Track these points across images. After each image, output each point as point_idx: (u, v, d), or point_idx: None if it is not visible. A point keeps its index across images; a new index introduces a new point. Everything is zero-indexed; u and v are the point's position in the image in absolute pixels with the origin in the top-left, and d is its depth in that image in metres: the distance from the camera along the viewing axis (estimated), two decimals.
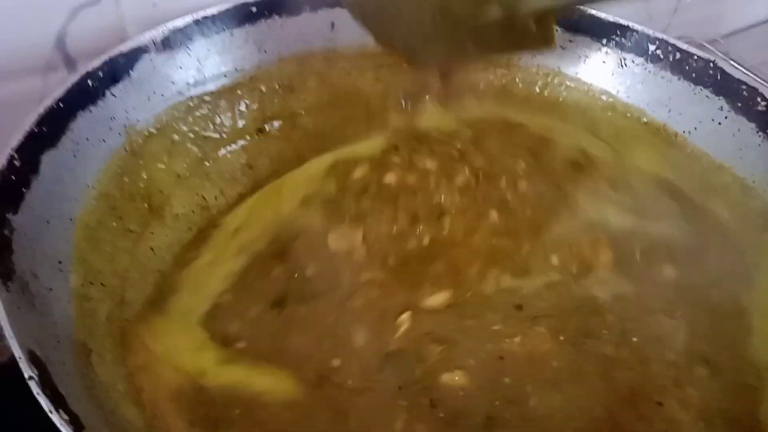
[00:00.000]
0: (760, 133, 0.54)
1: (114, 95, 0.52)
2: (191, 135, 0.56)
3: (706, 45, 0.84)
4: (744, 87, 0.56)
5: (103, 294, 0.45)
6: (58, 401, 0.31)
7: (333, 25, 0.61)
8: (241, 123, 0.59)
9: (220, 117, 0.58)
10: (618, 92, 0.63)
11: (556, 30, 0.61)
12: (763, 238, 0.52)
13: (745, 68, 0.76)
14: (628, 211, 0.54)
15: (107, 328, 0.43)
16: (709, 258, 0.51)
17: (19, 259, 0.39)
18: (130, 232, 0.50)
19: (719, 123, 0.57)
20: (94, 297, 0.44)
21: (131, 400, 0.40)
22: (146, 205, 0.52)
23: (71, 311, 0.42)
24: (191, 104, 0.57)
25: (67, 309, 0.42)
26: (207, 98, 0.57)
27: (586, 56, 0.64)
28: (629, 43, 0.62)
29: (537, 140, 0.59)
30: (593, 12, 0.61)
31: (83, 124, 0.49)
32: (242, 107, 0.59)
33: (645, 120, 0.61)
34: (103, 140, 0.50)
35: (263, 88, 0.60)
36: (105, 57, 0.51)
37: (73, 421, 0.31)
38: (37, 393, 0.31)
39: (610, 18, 0.61)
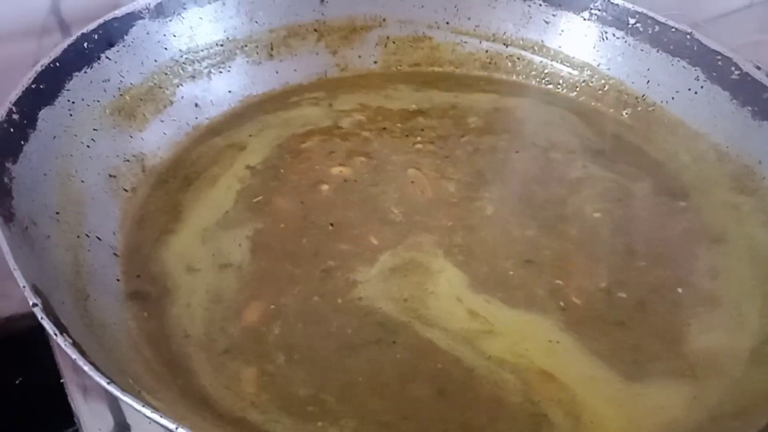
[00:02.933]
0: (734, 101, 0.56)
1: (109, 58, 0.53)
2: (183, 99, 0.57)
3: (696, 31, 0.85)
4: (719, 57, 0.58)
5: (98, 246, 0.46)
6: (61, 327, 0.32)
7: None
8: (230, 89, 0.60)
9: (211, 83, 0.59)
10: (599, 65, 0.65)
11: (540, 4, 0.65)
12: (737, 200, 0.54)
13: None
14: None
15: (102, 276, 0.45)
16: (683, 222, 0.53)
17: (18, 206, 0.41)
18: (124, 191, 0.51)
19: (695, 92, 0.59)
20: (89, 248, 0.45)
21: (129, 343, 0.41)
22: (141, 166, 0.53)
23: (69, 259, 0.43)
24: (183, 70, 0.58)
25: (65, 256, 0.43)
26: (198, 65, 0.59)
27: (569, 30, 0.65)
28: (610, 17, 0.63)
29: None
30: None
31: (79, 84, 0.50)
32: (233, 75, 0.61)
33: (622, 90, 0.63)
34: (98, 101, 0.52)
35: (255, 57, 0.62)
36: (100, 20, 0.52)
37: (76, 346, 0.32)
38: (41, 318, 0.32)
39: None
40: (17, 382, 0.61)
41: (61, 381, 0.48)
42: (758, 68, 0.74)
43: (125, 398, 0.29)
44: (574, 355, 0.43)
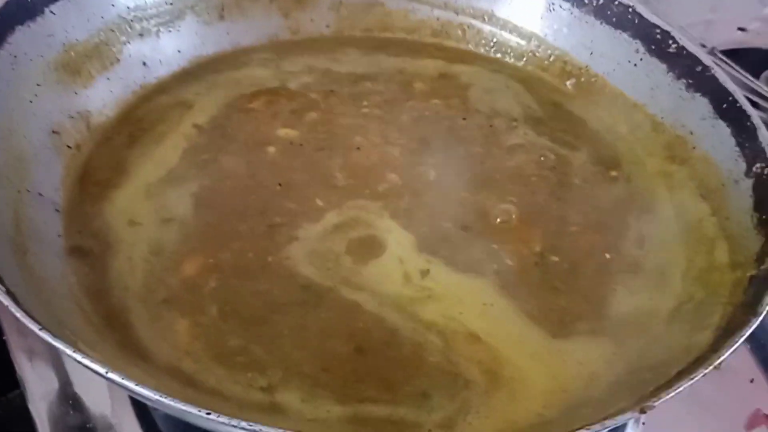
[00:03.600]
0: (670, 74, 0.58)
1: (53, 13, 0.53)
2: (130, 57, 0.57)
3: (637, 5, 0.87)
4: (658, 30, 0.60)
5: (40, 202, 0.46)
6: None
7: None
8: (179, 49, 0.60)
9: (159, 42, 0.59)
10: (546, 35, 0.66)
11: None
12: (669, 169, 0.56)
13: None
14: None
15: (43, 232, 0.45)
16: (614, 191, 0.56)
17: None
18: (67, 147, 0.51)
19: (635, 65, 0.61)
20: (30, 204, 0.46)
21: (69, 297, 0.42)
22: (85, 123, 0.53)
23: (9, 214, 0.43)
24: (131, 28, 0.58)
25: (5, 211, 0.43)
26: (146, 23, 0.58)
27: (518, 0, 0.67)
28: None
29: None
30: None
31: (21, 38, 0.50)
32: (182, 34, 0.60)
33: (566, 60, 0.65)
34: (41, 56, 0.51)
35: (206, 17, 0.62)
36: None
37: (10, 295, 0.32)
38: None
39: None
40: None
41: (3, 339, 0.48)
42: (703, 46, 0.77)
43: (57, 344, 0.30)
44: (506, 316, 0.45)
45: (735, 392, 0.50)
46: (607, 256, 0.50)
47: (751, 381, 0.51)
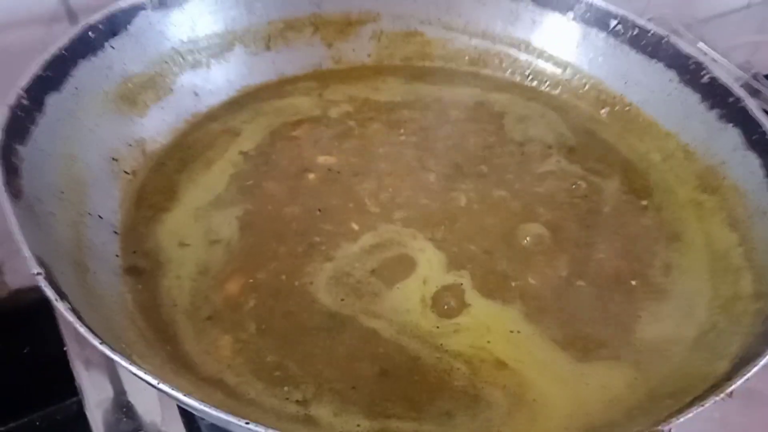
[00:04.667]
0: (703, 104, 0.59)
1: (113, 47, 0.56)
2: (182, 87, 0.61)
3: (681, 28, 0.87)
4: (692, 61, 0.61)
5: (99, 224, 0.50)
6: (62, 295, 0.36)
7: None
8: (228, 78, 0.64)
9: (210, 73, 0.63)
10: (581, 64, 0.68)
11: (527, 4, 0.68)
12: (700, 198, 0.57)
13: (716, 52, 0.81)
14: None
15: (102, 252, 0.49)
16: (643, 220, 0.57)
17: (26, 184, 0.44)
18: (124, 173, 0.55)
19: (669, 94, 0.62)
20: (91, 226, 0.49)
21: (124, 313, 0.46)
22: (141, 150, 0.57)
23: (71, 235, 0.47)
24: (183, 60, 0.62)
25: (68, 233, 0.47)
26: (198, 55, 0.62)
27: (554, 29, 0.68)
28: (593, 18, 0.66)
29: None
30: None
31: (84, 71, 0.54)
32: (231, 65, 0.64)
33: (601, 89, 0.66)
34: (102, 88, 0.55)
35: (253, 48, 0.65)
36: (105, 11, 0.55)
37: (75, 312, 0.36)
38: (43, 285, 0.36)
39: None
40: (25, 351, 0.65)
41: (64, 350, 0.52)
42: (745, 71, 0.77)
43: (115, 357, 0.33)
44: (533, 342, 0.47)
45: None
46: (633, 283, 0.51)
47: None
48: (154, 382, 0.33)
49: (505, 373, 0.44)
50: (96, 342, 0.34)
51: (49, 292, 0.35)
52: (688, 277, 0.52)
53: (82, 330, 0.34)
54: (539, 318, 0.48)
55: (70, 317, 0.34)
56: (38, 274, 0.36)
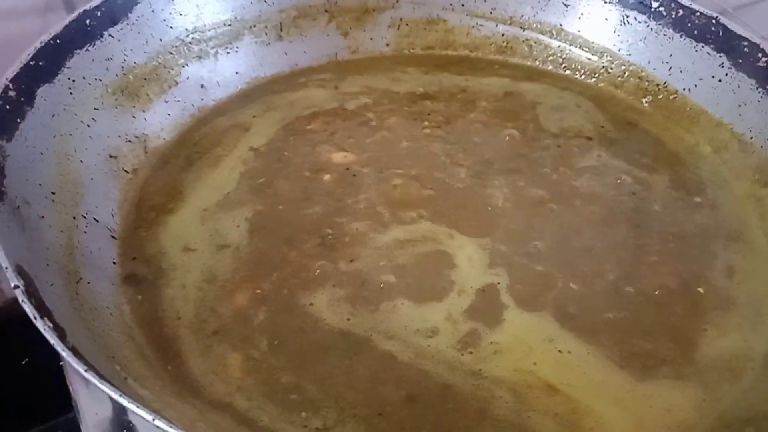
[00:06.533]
0: (760, 89, 0.54)
1: (112, 36, 0.52)
2: (188, 79, 0.56)
3: (728, 9, 0.82)
4: (745, 43, 0.55)
5: (95, 228, 0.46)
6: (43, 311, 0.32)
7: None
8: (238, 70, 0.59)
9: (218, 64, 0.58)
10: (620, 50, 0.62)
11: None
12: (760, 193, 0.52)
13: None
14: None
15: (98, 259, 0.44)
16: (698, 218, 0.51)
17: (11, 184, 0.40)
18: (124, 172, 0.51)
19: (719, 80, 0.57)
20: (85, 230, 0.45)
21: (121, 328, 0.41)
22: (143, 147, 0.52)
23: (62, 240, 0.42)
24: (189, 50, 0.57)
25: (59, 238, 0.42)
26: (205, 45, 0.58)
27: (589, 13, 0.63)
28: (632, 0, 0.61)
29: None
30: None
31: (80, 62, 0.50)
32: (240, 55, 0.59)
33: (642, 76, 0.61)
34: (100, 79, 0.51)
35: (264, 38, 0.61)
36: None
37: (58, 330, 0.31)
38: (22, 301, 0.31)
39: None
40: (23, 363, 0.61)
41: (60, 364, 0.48)
42: None
43: (103, 387, 0.28)
44: (585, 362, 0.41)
45: None
46: (701, 290, 0.45)
47: None
48: (149, 417, 0.27)
49: (557, 399, 0.39)
50: (81, 368, 0.29)
51: (28, 309, 0.30)
52: (753, 281, 0.46)
53: (64, 354, 0.29)
54: (588, 333, 0.42)
55: (51, 338, 0.29)
56: (16, 287, 0.31)
